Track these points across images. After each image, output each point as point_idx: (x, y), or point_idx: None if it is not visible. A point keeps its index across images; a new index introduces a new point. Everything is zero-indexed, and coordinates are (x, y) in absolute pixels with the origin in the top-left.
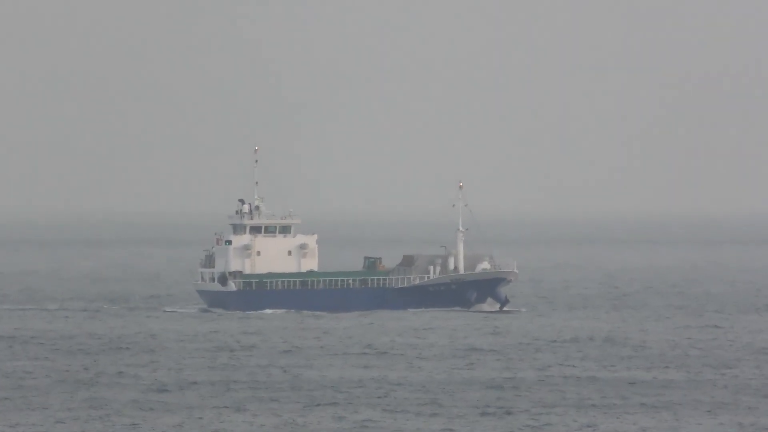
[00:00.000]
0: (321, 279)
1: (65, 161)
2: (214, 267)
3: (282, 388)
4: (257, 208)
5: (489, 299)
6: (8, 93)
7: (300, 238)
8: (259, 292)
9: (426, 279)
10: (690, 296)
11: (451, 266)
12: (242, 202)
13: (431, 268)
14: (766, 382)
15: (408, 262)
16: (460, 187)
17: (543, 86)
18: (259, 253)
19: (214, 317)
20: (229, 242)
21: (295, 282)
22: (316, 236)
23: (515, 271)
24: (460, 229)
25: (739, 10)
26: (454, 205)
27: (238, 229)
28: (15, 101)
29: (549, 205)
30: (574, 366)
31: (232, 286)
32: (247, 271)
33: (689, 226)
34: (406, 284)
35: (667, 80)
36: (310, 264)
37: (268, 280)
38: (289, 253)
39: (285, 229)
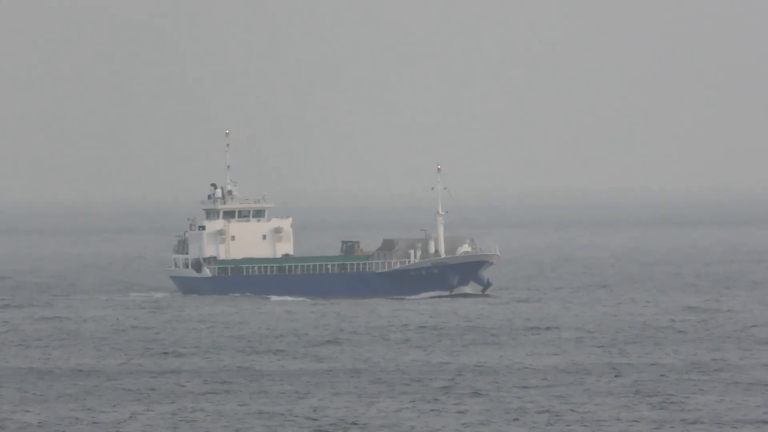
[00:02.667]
0: (299, 264)
1: (41, 150)
2: (187, 253)
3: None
4: (230, 192)
5: (471, 282)
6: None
7: (274, 222)
8: (235, 278)
9: (407, 263)
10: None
11: (432, 250)
12: (215, 186)
13: (411, 252)
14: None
15: (388, 246)
16: (438, 169)
17: (525, 68)
18: (233, 237)
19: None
20: (203, 227)
21: (272, 267)
22: (290, 220)
23: (497, 253)
24: (440, 212)
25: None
26: (432, 188)
27: (211, 214)
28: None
29: (529, 186)
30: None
31: (207, 272)
32: (222, 256)
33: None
34: (386, 269)
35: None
36: (286, 248)
37: (244, 265)
38: (264, 237)
39: (259, 213)
